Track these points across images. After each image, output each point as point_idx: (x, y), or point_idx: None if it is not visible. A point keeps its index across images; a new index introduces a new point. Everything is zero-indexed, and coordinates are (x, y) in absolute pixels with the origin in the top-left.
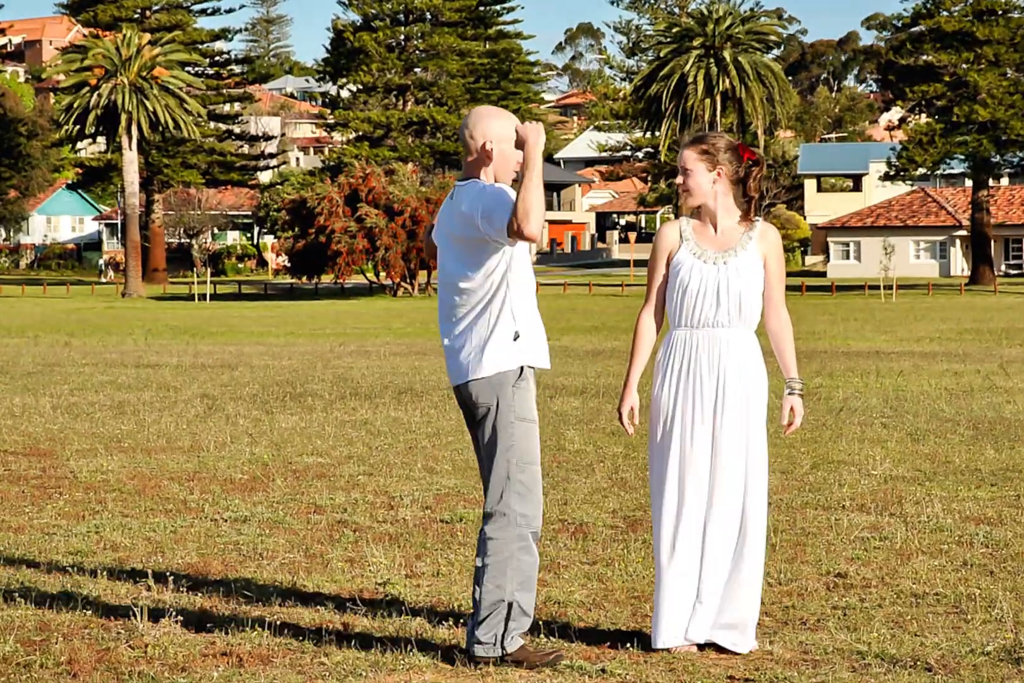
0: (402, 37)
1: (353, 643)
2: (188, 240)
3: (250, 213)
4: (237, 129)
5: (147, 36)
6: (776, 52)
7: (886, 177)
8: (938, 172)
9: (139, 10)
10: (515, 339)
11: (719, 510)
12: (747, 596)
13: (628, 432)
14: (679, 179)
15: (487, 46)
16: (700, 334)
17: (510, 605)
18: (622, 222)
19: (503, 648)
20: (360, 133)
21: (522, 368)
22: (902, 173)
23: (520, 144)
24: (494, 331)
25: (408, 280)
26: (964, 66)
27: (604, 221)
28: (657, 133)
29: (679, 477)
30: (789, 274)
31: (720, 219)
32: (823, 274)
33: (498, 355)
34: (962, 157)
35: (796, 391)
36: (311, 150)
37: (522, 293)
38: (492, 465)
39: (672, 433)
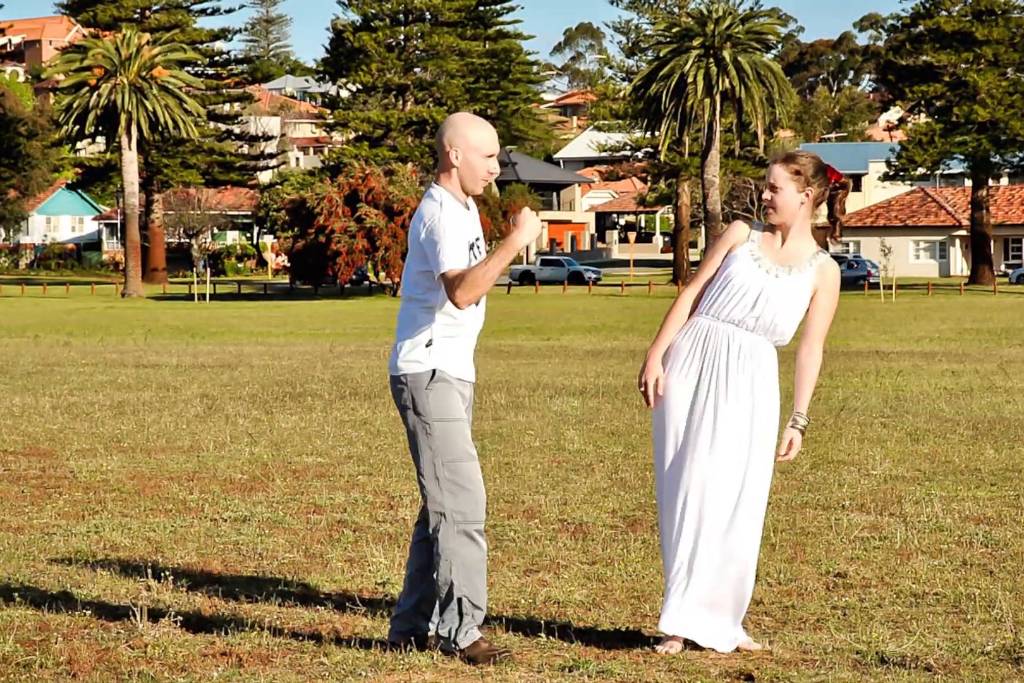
0: (402, 37)
1: (353, 643)
2: (188, 240)
3: (250, 213)
4: (237, 129)
5: (147, 36)
6: (775, 52)
7: (886, 177)
8: (937, 172)
9: (139, 10)
10: (427, 345)
11: (712, 497)
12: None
13: (649, 404)
14: (767, 195)
15: (487, 46)
16: (721, 327)
17: (459, 600)
18: (622, 222)
19: (455, 643)
20: (360, 133)
21: (434, 372)
22: (902, 173)
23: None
24: (415, 334)
25: None
26: (963, 66)
27: (604, 221)
28: (657, 133)
29: (677, 461)
30: None
31: (792, 237)
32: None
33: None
34: (961, 157)
35: (798, 426)
36: (311, 150)
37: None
38: (418, 466)
39: (676, 418)
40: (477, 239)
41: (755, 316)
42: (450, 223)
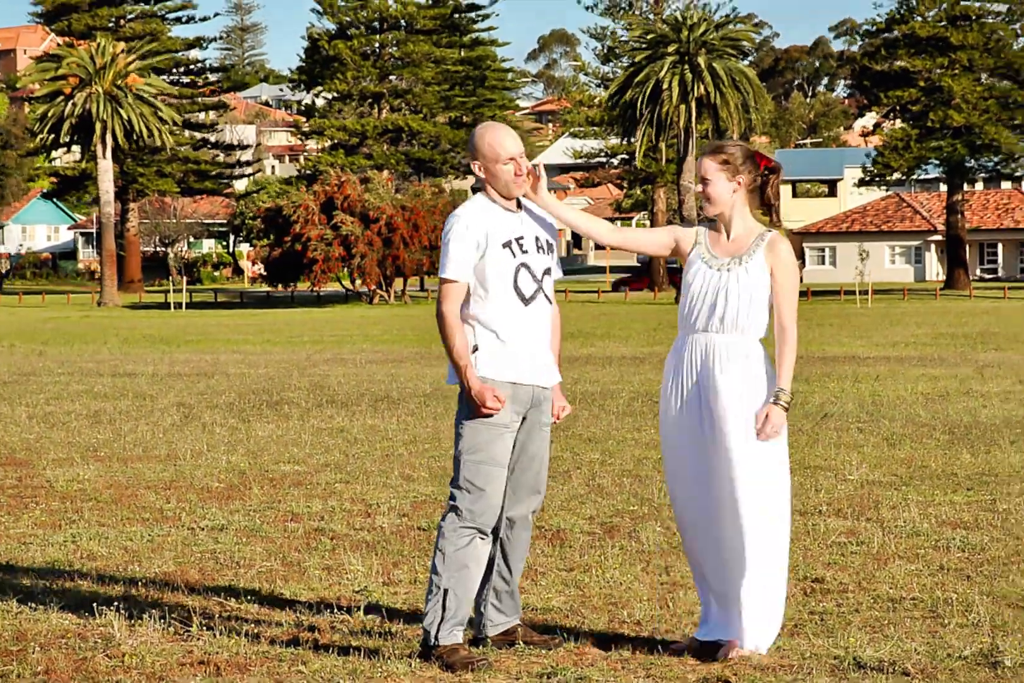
0: (377, 45)
1: (331, 651)
2: (164, 249)
3: (225, 221)
4: (212, 137)
5: (121, 45)
6: (750, 58)
7: (862, 183)
8: (913, 177)
9: (113, 19)
10: (473, 352)
11: (714, 510)
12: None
13: None
14: (698, 188)
15: (462, 53)
16: (697, 338)
17: (445, 591)
18: None
19: (436, 639)
20: (335, 141)
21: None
22: (878, 178)
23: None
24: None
25: (384, 287)
26: (938, 71)
27: None
28: (632, 139)
29: (674, 474)
30: None
31: (734, 227)
32: (799, 280)
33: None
34: (937, 162)
35: (779, 402)
36: (286, 158)
37: (491, 308)
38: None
39: (667, 432)
40: (520, 238)
41: (719, 316)
42: (460, 231)
